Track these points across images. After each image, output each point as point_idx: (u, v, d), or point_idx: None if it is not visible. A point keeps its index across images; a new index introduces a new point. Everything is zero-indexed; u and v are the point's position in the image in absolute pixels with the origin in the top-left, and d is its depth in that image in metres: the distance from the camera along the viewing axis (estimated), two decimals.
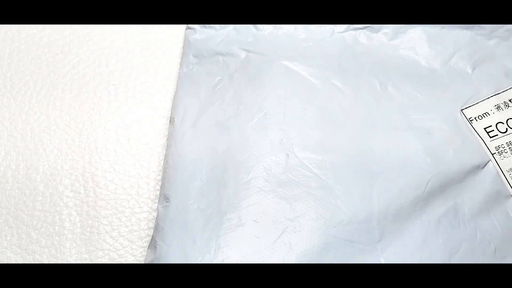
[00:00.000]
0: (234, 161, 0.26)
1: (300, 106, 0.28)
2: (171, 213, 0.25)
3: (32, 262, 0.26)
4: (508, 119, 0.27)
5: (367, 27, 0.32)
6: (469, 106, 0.28)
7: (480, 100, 0.28)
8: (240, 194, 0.25)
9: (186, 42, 0.33)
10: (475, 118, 0.27)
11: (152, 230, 0.26)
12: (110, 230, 0.27)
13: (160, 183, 0.27)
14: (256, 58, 0.31)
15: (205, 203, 0.25)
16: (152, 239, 0.25)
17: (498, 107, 0.27)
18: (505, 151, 0.26)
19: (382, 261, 0.23)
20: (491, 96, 0.28)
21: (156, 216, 0.26)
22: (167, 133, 0.30)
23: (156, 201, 0.28)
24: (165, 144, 0.29)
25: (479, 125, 0.27)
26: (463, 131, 0.27)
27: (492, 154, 0.26)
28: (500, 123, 0.27)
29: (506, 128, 0.27)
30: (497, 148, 0.26)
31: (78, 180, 0.29)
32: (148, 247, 0.25)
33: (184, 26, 0.34)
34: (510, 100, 0.27)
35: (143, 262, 0.26)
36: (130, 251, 0.26)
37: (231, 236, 0.23)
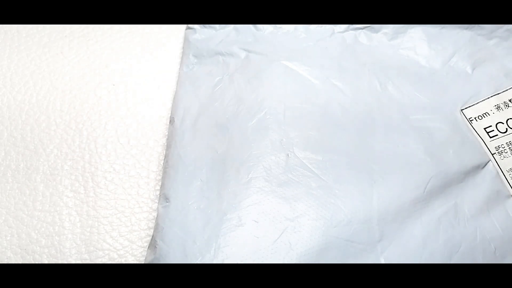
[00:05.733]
0: (234, 161, 0.26)
1: (300, 106, 0.28)
2: (171, 213, 0.25)
3: (32, 262, 0.26)
4: (508, 119, 0.27)
5: (367, 27, 0.32)
6: (469, 106, 0.28)
7: (480, 100, 0.28)
8: (240, 194, 0.25)
9: (186, 42, 0.33)
10: (475, 118, 0.27)
11: (152, 230, 0.26)
12: (110, 230, 0.27)
13: (160, 183, 0.27)
14: (256, 58, 0.31)
15: (205, 203, 0.25)
16: (152, 239, 0.25)
17: (498, 107, 0.27)
18: (505, 151, 0.26)
19: (382, 261, 0.23)
20: (491, 96, 0.28)
21: (156, 216, 0.26)
22: (167, 133, 0.30)
23: (156, 201, 0.28)
24: (165, 144, 0.29)
25: (479, 125, 0.27)
26: (463, 131, 0.27)
27: (492, 154, 0.26)
28: (500, 123, 0.27)
29: (506, 128, 0.27)
30: (497, 148, 0.26)
31: (78, 180, 0.29)
32: (148, 247, 0.25)
33: (184, 26, 0.34)
34: (510, 100, 0.27)
35: (143, 262, 0.26)
36: (130, 251, 0.26)
37: (231, 236, 0.23)
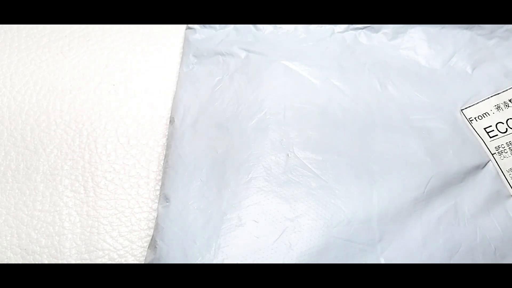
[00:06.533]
0: (234, 161, 0.26)
1: (300, 106, 0.28)
2: (171, 213, 0.25)
3: (32, 262, 0.26)
4: (508, 119, 0.27)
5: (367, 27, 0.32)
6: (469, 106, 0.28)
7: (480, 100, 0.28)
8: (240, 194, 0.25)
9: (186, 42, 0.33)
10: (475, 118, 0.27)
11: (152, 230, 0.26)
12: (110, 230, 0.27)
13: (160, 183, 0.27)
14: (256, 58, 0.31)
15: (205, 203, 0.25)
16: (152, 239, 0.25)
17: (498, 107, 0.27)
18: (505, 151, 0.26)
19: (382, 261, 0.23)
20: (491, 96, 0.28)
21: (156, 216, 0.26)
22: (167, 133, 0.30)
23: (156, 201, 0.28)
24: (165, 144, 0.29)
25: (479, 125, 0.27)
26: (463, 131, 0.27)
27: (492, 154, 0.26)
28: (500, 123, 0.27)
29: (506, 128, 0.27)
30: (497, 148, 0.26)
31: (78, 180, 0.29)
32: (148, 247, 0.25)
33: (184, 26, 0.34)
34: (510, 100, 0.27)
35: (143, 262, 0.26)
36: (130, 251, 0.26)
37: (231, 236, 0.23)
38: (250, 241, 0.23)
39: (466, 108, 0.28)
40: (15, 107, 0.32)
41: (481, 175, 0.26)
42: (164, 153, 0.29)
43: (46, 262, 0.26)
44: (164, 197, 0.26)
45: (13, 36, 0.36)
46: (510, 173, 0.26)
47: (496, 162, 0.26)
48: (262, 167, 0.26)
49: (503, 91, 0.28)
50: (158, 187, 0.28)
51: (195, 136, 0.28)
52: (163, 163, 0.28)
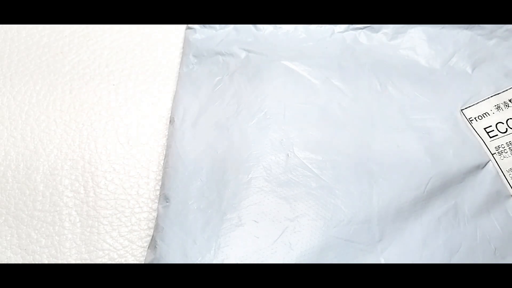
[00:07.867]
0: (234, 161, 0.26)
1: (300, 106, 0.28)
2: (171, 213, 0.25)
3: (32, 262, 0.26)
4: (508, 119, 0.27)
5: (367, 27, 0.32)
6: (469, 106, 0.28)
7: (480, 100, 0.28)
8: (240, 194, 0.25)
9: (186, 42, 0.33)
10: (475, 118, 0.27)
11: (152, 230, 0.26)
12: (110, 230, 0.27)
13: (160, 183, 0.27)
14: (256, 58, 0.31)
15: (205, 203, 0.25)
16: (152, 239, 0.25)
17: (498, 107, 0.27)
18: (505, 151, 0.26)
19: (382, 261, 0.23)
20: (491, 96, 0.28)
21: (156, 216, 0.26)
22: (167, 133, 0.30)
23: (156, 201, 0.28)
24: (165, 144, 0.29)
25: (479, 125, 0.27)
26: (463, 131, 0.27)
27: (492, 154, 0.26)
28: (500, 123, 0.27)
29: (506, 128, 0.27)
30: (497, 148, 0.26)
31: (78, 180, 0.29)
32: (148, 247, 0.25)
33: (184, 26, 0.34)
34: (510, 100, 0.27)
35: (143, 262, 0.26)
36: (130, 251, 0.26)
37: (231, 236, 0.23)
38: (250, 241, 0.23)
39: (466, 108, 0.28)
40: (15, 107, 0.32)
41: (481, 175, 0.26)
42: (164, 153, 0.29)
43: (46, 262, 0.26)
44: (164, 197, 0.26)
45: (13, 36, 0.36)
46: (510, 173, 0.26)
47: (496, 162, 0.26)
48: (262, 167, 0.26)
49: (503, 91, 0.28)
50: (158, 187, 0.28)
51: (195, 136, 0.28)
52: (163, 163, 0.28)
